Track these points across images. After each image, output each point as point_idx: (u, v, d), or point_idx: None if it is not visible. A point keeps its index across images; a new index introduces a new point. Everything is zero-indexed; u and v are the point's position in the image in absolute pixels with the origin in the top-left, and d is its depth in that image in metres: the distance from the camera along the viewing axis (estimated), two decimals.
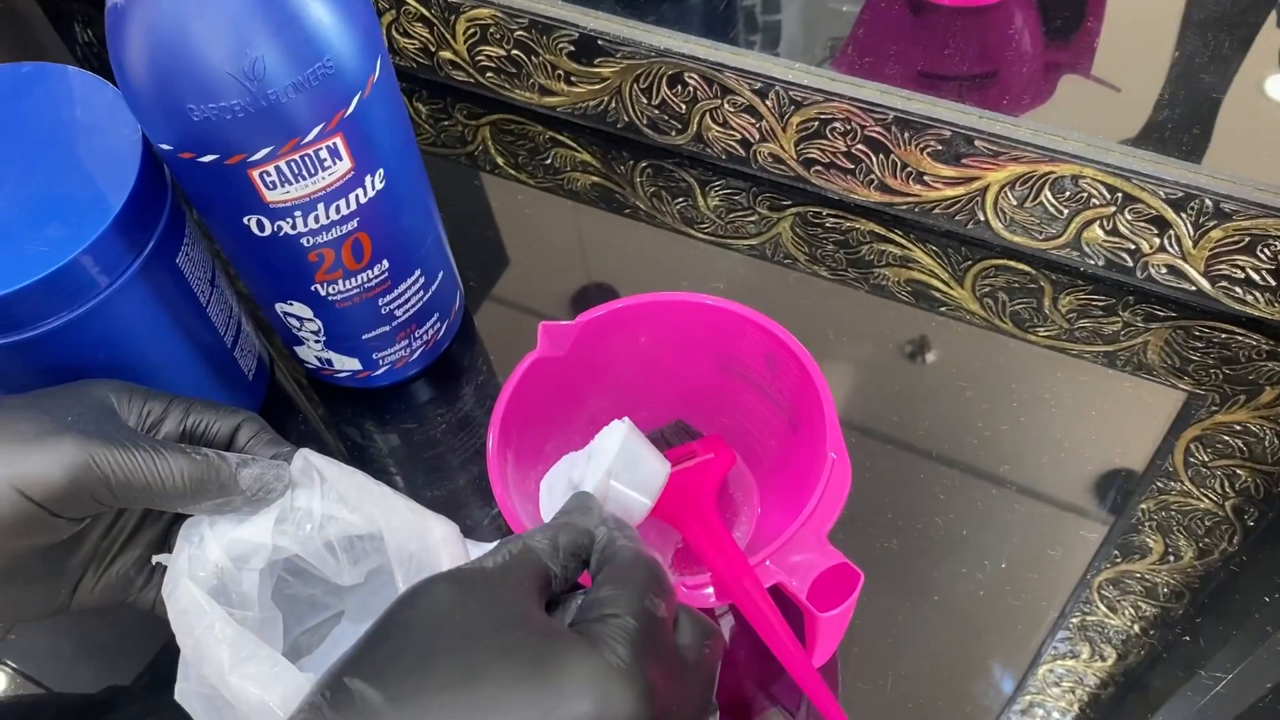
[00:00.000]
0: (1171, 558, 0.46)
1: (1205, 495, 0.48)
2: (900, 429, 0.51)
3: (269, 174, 0.40)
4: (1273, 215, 0.47)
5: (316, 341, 0.49)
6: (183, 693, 0.43)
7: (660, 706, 0.29)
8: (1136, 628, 0.45)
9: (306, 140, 0.39)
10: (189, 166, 0.40)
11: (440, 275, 0.51)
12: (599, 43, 0.57)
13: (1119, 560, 0.46)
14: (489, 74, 0.63)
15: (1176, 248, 0.51)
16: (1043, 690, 0.44)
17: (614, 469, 0.38)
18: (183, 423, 0.40)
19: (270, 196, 0.41)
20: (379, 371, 0.52)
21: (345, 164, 0.41)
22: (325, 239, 0.43)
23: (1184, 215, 0.49)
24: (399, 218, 0.45)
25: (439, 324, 0.52)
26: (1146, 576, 0.46)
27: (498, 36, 0.60)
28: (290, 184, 0.40)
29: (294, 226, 0.42)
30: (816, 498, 0.40)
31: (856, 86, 0.52)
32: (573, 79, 0.60)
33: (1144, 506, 0.48)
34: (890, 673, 0.45)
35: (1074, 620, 0.45)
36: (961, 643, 0.45)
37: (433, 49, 0.64)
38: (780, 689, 0.46)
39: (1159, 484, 0.49)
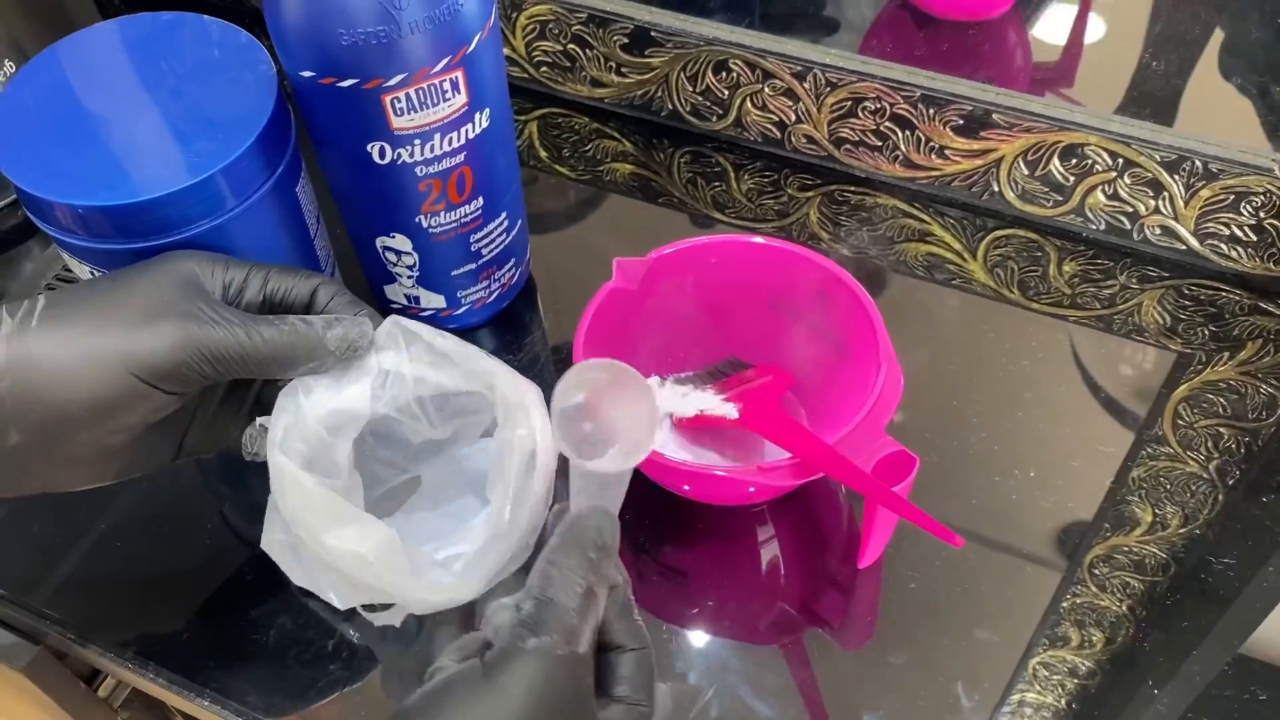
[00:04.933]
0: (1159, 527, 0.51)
1: (1192, 459, 0.53)
2: (930, 361, 0.57)
3: (399, 100, 0.45)
4: (1254, 172, 0.54)
5: (409, 277, 0.54)
6: (268, 542, 0.45)
7: None
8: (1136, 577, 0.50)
9: (435, 71, 0.45)
10: (326, 93, 0.45)
11: (519, 222, 0.56)
12: (652, 34, 0.64)
13: (1109, 534, 0.51)
14: (544, 69, 0.69)
15: (1170, 208, 0.57)
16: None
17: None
18: (263, 289, 0.43)
19: (397, 123, 0.46)
20: (460, 310, 0.56)
21: (461, 98, 0.47)
22: (435, 169, 0.49)
23: (1177, 177, 0.56)
24: (496, 157, 0.51)
25: (515, 269, 0.57)
26: (1134, 549, 0.52)
27: (556, 32, 0.67)
28: (415, 111, 0.46)
29: (411, 155, 0.48)
30: (875, 395, 0.46)
31: (887, 68, 0.59)
32: (623, 70, 0.67)
33: (1135, 475, 0.53)
34: (929, 567, 0.50)
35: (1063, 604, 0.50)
36: (996, 542, 0.50)
37: None
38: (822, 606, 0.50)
39: (1149, 449, 0.54)
